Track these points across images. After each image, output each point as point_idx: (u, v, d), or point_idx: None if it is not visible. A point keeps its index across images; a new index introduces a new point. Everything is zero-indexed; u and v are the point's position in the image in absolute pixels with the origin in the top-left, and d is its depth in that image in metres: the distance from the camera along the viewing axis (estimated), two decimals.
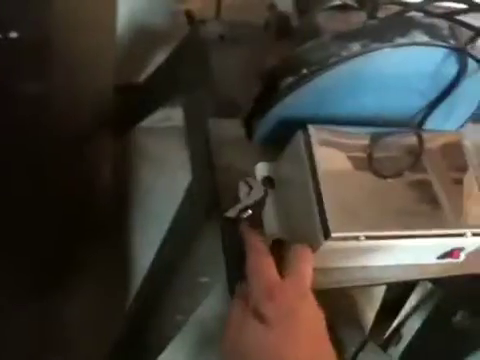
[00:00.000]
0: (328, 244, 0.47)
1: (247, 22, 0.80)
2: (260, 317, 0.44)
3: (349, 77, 0.49)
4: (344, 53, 0.48)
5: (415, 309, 1.01)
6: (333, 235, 0.47)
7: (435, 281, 0.86)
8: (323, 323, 0.46)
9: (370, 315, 1.19)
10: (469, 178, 0.55)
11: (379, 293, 1.13)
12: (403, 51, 0.48)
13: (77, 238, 1.02)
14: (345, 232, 0.47)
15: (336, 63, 0.48)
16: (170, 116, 1.20)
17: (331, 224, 0.47)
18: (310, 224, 0.49)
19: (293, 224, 0.53)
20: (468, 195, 0.54)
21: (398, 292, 1.06)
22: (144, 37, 1.04)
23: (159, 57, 1.02)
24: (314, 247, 0.48)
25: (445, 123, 0.58)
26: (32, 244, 0.92)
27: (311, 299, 0.46)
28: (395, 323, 1.09)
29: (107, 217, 1.09)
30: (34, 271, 0.95)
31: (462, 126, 0.60)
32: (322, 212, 0.48)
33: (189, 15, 0.85)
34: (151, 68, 1.06)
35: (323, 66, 0.48)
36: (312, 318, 0.45)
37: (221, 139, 0.60)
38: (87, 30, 0.81)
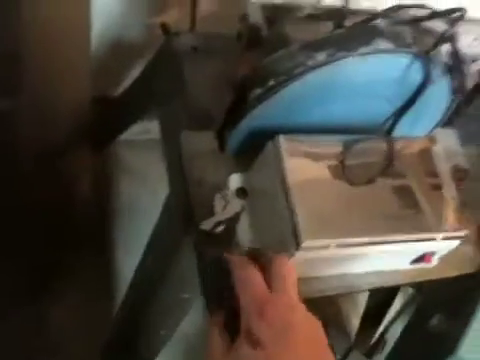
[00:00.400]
0: (300, 254, 0.47)
1: (220, 34, 0.80)
2: (254, 341, 0.43)
3: (316, 86, 0.50)
4: (310, 63, 0.48)
5: (398, 315, 1.02)
6: (304, 245, 0.47)
7: (416, 286, 0.87)
8: (320, 330, 0.45)
9: (355, 322, 1.19)
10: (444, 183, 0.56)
11: (363, 300, 1.13)
12: (368, 59, 0.48)
13: (59, 251, 1.02)
14: (316, 241, 0.47)
15: (302, 73, 0.48)
16: (149, 129, 1.20)
17: (302, 234, 0.47)
18: (282, 234, 0.49)
19: (266, 234, 0.53)
20: (441, 200, 0.55)
21: (381, 298, 1.06)
22: (120, 50, 1.04)
23: (136, 70, 1.02)
24: (287, 257, 0.48)
25: (414, 129, 0.58)
26: (11, 259, 0.91)
27: (302, 308, 0.46)
28: (380, 329, 1.09)
29: (89, 230, 1.09)
30: (17, 283, 0.95)
31: (432, 131, 0.60)
32: (293, 222, 0.47)
33: (164, 28, 0.85)
34: (128, 81, 1.06)
35: (290, 76, 0.49)
36: (308, 327, 0.45)
37: (194, 152, 0.60)
38: (60, 44, 0.81)
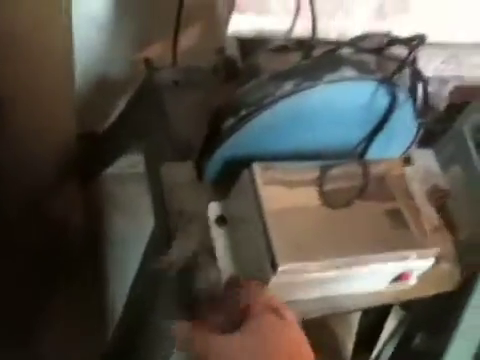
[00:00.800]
0: (277, 278, 0.48)
1: (200, 67, 0.82)
2: (280, 315, 0.44)
3: (285, 115, 0.51)
4: (278, 93, 0.50)
5: (390, 337, 1.01)
6: (280, 269, 0.47)
7: (400, 306, 0.87)
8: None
9: (350, 346, 1.19)
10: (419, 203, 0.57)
11: (355, 322, 1.13)
12: (334, 87, 0.50)
13: (51, 287, 1.02)
14: (293, 265, 0.48)
15: (271, 103, 0.50)
16: (137, 162, 1.21)
17: (278, 258, 0.48)
18: (260, 260, 0.50)
19: (246, 261, 0.54)
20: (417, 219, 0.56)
21: (373, 321, 1.06)
22: (104, 86, 1.06)
23: (121, 105, 1.04)
24: (265, 282, 0.49)
25: (386, 152, 0.60)
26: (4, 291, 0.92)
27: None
28: (374, 353, 1.09)
29: (79, 264, 1.09)
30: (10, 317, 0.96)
31: (404, 153, 0.62)
32: (269, 247, 0.48)
33: (148, 63, 0.87)
34: (114, 116, 1.07)
35: (259, 107, 0.50)
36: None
37: (174, 182, 0.61)
38: (44, 81, 0.82)
